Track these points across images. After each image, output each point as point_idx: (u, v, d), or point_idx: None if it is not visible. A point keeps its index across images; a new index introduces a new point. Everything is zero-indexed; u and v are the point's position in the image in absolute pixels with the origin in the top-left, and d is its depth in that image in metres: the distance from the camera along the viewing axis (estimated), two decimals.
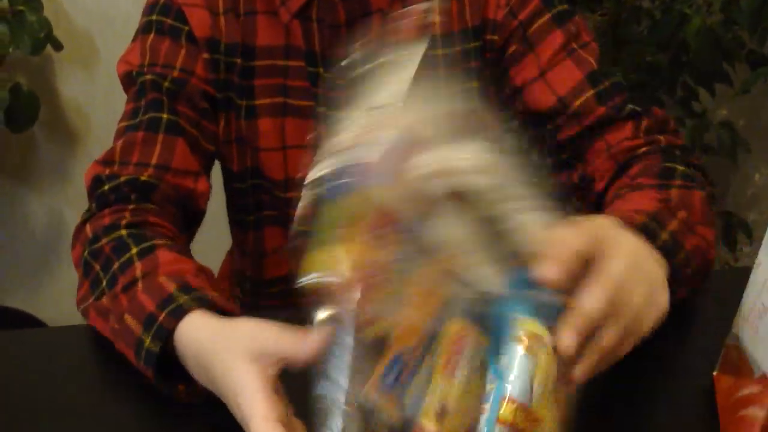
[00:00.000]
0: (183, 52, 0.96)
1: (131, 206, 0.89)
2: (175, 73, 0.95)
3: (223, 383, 0.66)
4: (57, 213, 2.08)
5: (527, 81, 0.97)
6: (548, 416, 0.56)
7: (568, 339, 0.56)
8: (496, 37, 0.98)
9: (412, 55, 0.63)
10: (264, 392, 0.63)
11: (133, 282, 0.78)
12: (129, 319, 0.76)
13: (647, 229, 0.74)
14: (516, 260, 0.57)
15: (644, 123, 0.94)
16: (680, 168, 0.87)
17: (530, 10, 0.97)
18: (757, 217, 2.12)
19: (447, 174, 0.57)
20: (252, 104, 0.99)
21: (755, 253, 0.70)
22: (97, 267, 0.83)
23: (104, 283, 0.81)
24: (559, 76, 0.96)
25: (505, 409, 0.54)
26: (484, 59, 0.98)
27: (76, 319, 0.89)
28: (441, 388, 0.55)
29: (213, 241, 1.21)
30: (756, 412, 0.66)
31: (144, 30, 0.99)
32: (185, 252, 0.85)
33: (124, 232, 0.85)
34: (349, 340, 0.57)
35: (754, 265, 0.70)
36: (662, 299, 0.65)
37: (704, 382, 0.76)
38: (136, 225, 0.86)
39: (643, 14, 1.81)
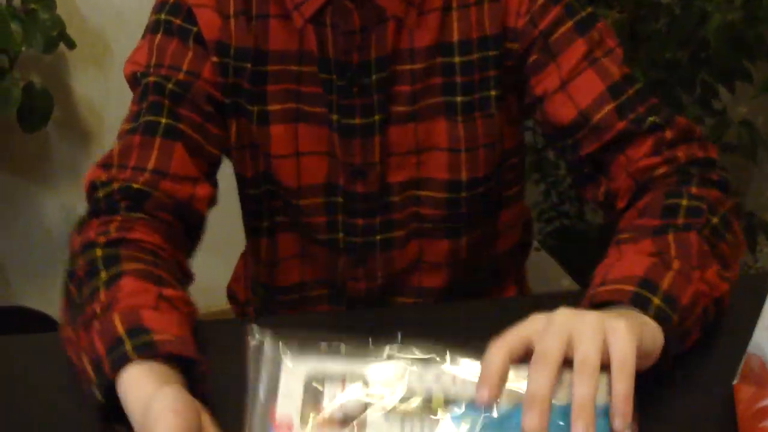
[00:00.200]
0: (190, 54, 0.95)
1: (119, 217, 0.87)
2: (181, 76, 0.94)
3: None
4: (71, 211, 2.07)
5: (548, 92, 0.94)
6: None
7: (530, 422, 0.61)
8: (516, 46, 0.95)
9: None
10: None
11: (93, 317, 0.76)
12: (85, 358, 0.75)
13: (638, 300, 0.73)
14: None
15: (667, 135, 0.92)
16: (684, 203, 0.84)
17: (551, 18, 0.94)
18: None
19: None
20: (264, 110, 0.97)
21: None
22: (73, 291, 0.82)
23: (75, 306, 0.80)
24: (580, 88, 0.93)
25: None
26: (503, 67, 0.96)
27: None
28: None
29: (230, 241, 1.19)
30: None
31: (152, 29, 0.97)
32: (160, 271, 0.82)
33: (99, 252, 0.83)
34: None
35: None
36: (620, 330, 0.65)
37: (723, 392, 0.75)
38: (114, 242, 0.84)
39: (662, 10, 1.78)
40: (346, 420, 0.66)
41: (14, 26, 1.70)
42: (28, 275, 2.13)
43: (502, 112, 0.98)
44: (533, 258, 1.23)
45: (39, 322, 1.96)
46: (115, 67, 1.94)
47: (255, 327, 0.67)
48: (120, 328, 0.74)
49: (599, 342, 0.63)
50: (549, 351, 0.63)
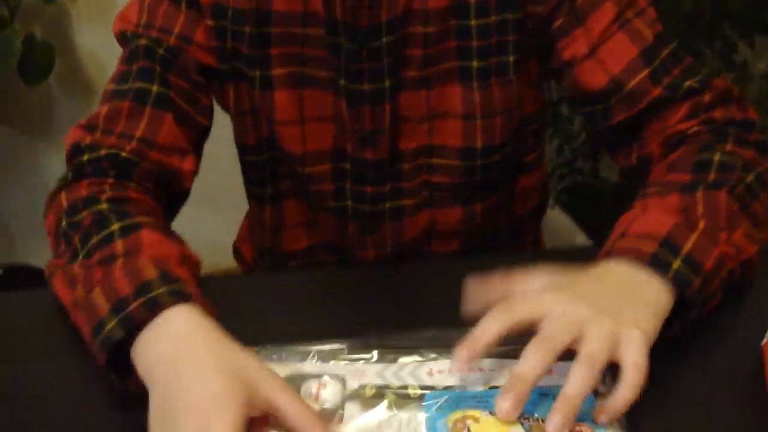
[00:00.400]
0: (182, 17, 0.90)
1: (110, 180, 0.85)
2: (172, 40, 0.90)
3: (192, 385, 0.63)
4: None
5: (577, 58, 0.89)
6: None
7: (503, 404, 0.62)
8: (539, 9, 0.89)
9: None
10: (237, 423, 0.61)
11: (112, 257, 0.74)
12: (98, 294, 0.72)
13: (657, 262, 0.71)
14: None
15: (704, 99, 0.87)
16: (717, 158, 0.81)
17: None
18: None
19: None
20: (267, 74, 0.92)
21: None
22: (76, 238, 0.79)
23: (80, 253, 0.77)
24: (611, 52, 0.88)
25: None
26: (524, 31, 0.90)
27: None
28: None
29: (237, 197, 1.15)
30: None
31: None
32: (170, 233, 0.82)
33: (104, 206, 0.81)
34: None
35: None
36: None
37: (752, 353, 0.72)
38: (117, 200, 0.82)
39: None
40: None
41: None
42: (31, 232, 2.10)
43: (521, 78, 0.93)
44: (547, 215, 1.19)
45: (44, 279, 1.94)
46: None
47: None
48: (151, 272, 0.71)
49: (610, 347, 0.64)
50: (554, 338, 0.63)
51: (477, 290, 0.72)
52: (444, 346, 0.70)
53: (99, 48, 1.93)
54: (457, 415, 0.63)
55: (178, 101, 0.90)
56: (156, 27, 0.90)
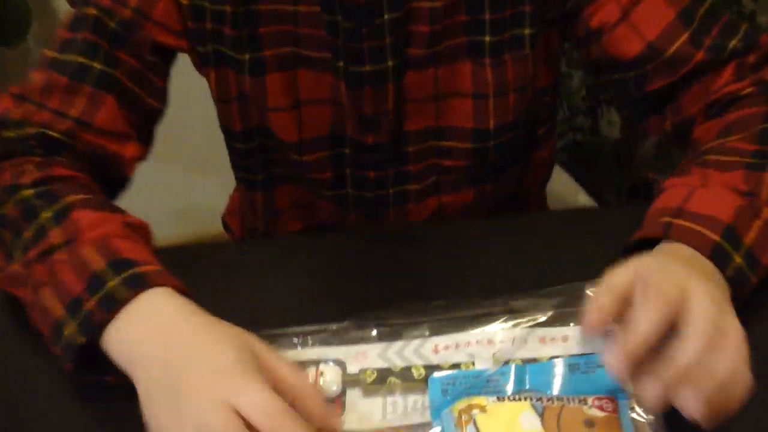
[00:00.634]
0: None
1: (36, 159, 0.77)
2: (127, 13, 0.81)
3: (196, 360, 0.59)
4: None
5: (607, 24, 0.82)
6: None
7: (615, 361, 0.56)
8: None
9: None
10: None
11: (51, 251, 0.68)
12: (48, 295, 0.66)
13: (718, 254, 0.65)
14: None
15: (749, 60, 0.81)
16: None
17: None
18: None
19: None
20: (256, 56, 0.84)
21: None
22: (7, 236, 0.72)
23: (15, 251, 0.71)
24: (645, 16, 0.81)
25: None
26: (541, 1, 0.83)
27: None
28: None
29: (224, 163, 1.09)
30: None
31: None
32: (105, 205, 0.74)
33: (29, 192, 0.73)
34: None
35: None
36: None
37: None
38: (42, 181, 0.75)
39: None
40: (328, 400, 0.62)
41: None
42: None
43: (537, 51, 0.86)
44: None
45: None
46: None
47: None
48: (97, 261, 0.66)
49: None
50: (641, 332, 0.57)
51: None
52: (451, 319, 0.66)
53: None
54: (462, 404, 0.59)
55: (125, 82, 0.82)
56: None
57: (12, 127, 0.79)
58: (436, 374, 0.62)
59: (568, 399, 0.58)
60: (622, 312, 0.59)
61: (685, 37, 0.80)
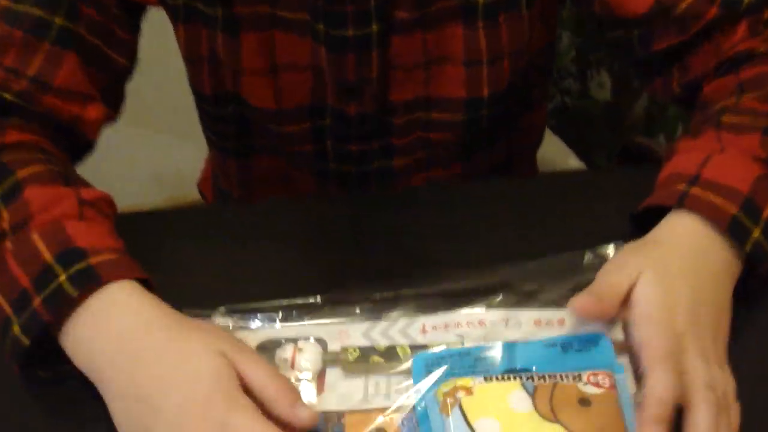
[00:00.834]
0: None
1: None
2: None
3: (176, 391, 0.55)
4: None
5: None
6: None
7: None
8: None
9: None
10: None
11: (1, 236, 0.63)
12: None
13: (737, 229, 0.62)
14: None
15: (765, 15, 0.75)
16: None
17: None
18: None
19: None
20: (230, 13, 0.78)
21: None
22: None
23: None
24: None
25: None
26: None
27: None
28: None
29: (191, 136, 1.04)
30: None
31: None
32: (62, 177, 0.67)
33: None
34: None
35: None
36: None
37: None
38: None
39: None
40: (302, 384, 0.59)
41: None
42: None
43: (534, 11, 0.81)
44: None
45: None
46: None
47: (204, 312, 0.62)
48: (46, 253, 0.61)
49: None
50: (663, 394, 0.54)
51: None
52: (440, 294, 0.62)
53: None
54: (447, 386, 0.55)
55: (89, 38, 0.75)
56: None
57: None
58: (420, 354, 0.58)
59: (561, 376, 0.54)
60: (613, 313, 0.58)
61: None
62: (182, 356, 0.56)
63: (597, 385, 0.54)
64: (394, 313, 0.62)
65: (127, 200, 0.76)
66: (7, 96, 0.71)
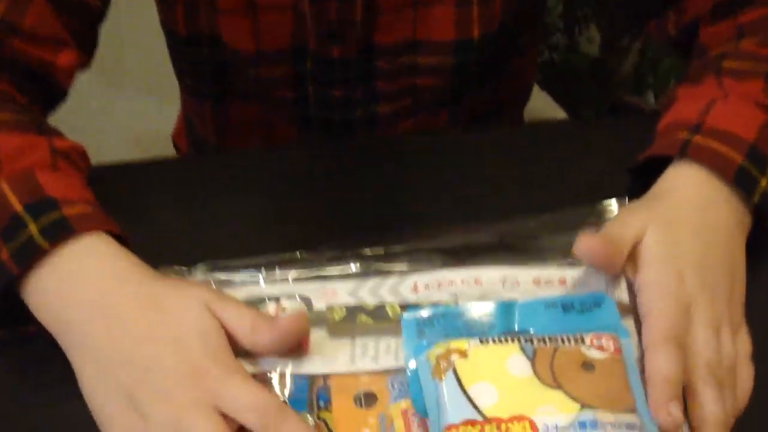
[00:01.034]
0: None
1: None
2: None
3: (162, 357, 0.50)
4: None
5: None
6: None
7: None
8: None
9: None
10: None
11: None
12: None
13: (743, 179, 0.59)
14: None
15: None
16: None
17: None
18: None
19: None
20: None
21: None
22: None
23: None
24: None
25: None
26: None
27: None
28: None
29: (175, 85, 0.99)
30: None
31: None
32: (34, 126, 0.63)
33: None
34: None
35: None
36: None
37: None
38: None
39: None
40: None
41: None
42: None
43: None
44: None
45: None
46: None
47: (184, 269, 0.58)
48: (16, 203, 0.56)
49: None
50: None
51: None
52: (434, 251, 0.59)
53: None
54: (440, 349, 0.51)
55: None
56: None
57: None
58: (411, 312, 0.54)
59: (562, 339, 0.51)
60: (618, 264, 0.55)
61: None
62: (166, 312, 0.52)
63: (601, 348, 0.50)
64: (384, 271, 0.58)
65: (104, 161, 0.72)
66: None
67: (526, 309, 0.54)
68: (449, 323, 0.53)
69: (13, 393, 0.57)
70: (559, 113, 1.80)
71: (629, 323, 0.54)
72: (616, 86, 1.81)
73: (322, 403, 0.52)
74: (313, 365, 0.53)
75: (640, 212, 0.58)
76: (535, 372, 0.49)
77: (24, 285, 0.55)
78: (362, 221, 0.66)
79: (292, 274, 0.58)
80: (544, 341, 0.51)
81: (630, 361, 0.51)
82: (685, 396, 0.51)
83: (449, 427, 0.47)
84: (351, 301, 0.56)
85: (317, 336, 0.55)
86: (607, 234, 0.56)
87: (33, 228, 0.54)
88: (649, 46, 1.72)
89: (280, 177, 0.72)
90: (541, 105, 1.79)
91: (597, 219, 0.60)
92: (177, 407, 0.48)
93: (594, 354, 0.50)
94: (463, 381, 0.48)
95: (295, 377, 0.52)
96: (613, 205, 0.62)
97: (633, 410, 0.48)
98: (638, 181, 0.63)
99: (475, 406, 0.47)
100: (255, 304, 0.56)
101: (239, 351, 0.52)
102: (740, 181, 0.59)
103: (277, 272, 0.58)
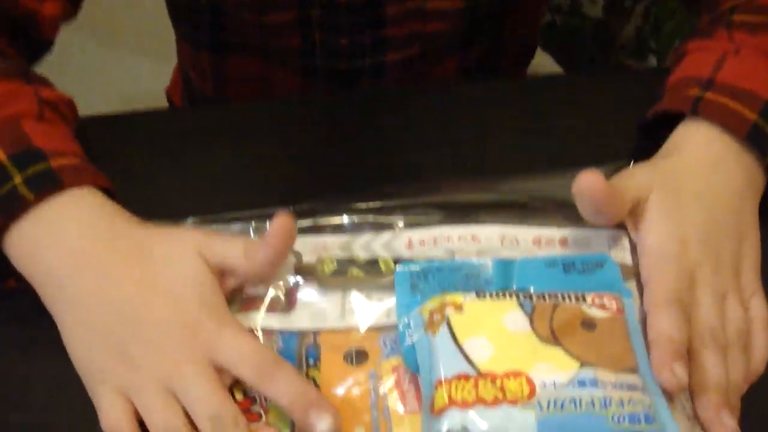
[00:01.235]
0: None
1: None
2: None
3: (155, 306, 0.48)
4: None
5: None
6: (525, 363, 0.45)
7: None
8: None
9: None
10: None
11: None
12: None
13: (757, 136, 0.56)
14: None
15: None
16: None
17: None
18: None
19: None
20: None
21: None
22: None
23: None
24: None
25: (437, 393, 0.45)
26: None
27: None
28: None
29: (170, 38, 0.96)
30: None
31: None
32: (22, 75, 0.60)
33: None
34: None
35: None
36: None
37: None
38: None
39: None
40: (272, 301, 0.52)
41: None
42: None
43: None
44: None
45: None
46: None
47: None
48: (1, 151, 0.53)
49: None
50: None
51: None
52: (431, 206, 0.56)
53: None
54: (434, 303, 0.49)
55: None
56: None
57: None
58: (404, 266, 0.52)
59: (563, 296, 0.49)
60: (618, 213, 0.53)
61: None
62: (158, 262, 0.50)
63: (603, 307, 0.48)
64: (378, 223, 0.56)
65: None
66: None
67: (526, 267, 0.52)
68: (444, 278, 0.51)
69: None
70: None
71: (632, 285, 0.52)
72: (618, 50, 1.79)
73: (311, 361, 0.50)
74: (301, 321, 0.51)
75: (646, 171, 0.55)
76: (533, 328, 0.47)
77: (6, 236, 0.52)
78: (359, 175, 0.63)
79: None
80: (544, 298, 0.49)
81: (633, 322, 0.49)
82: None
83: (441, 382, 0.45)
84: (342, 254, 0.54)
85: (306, 290, 0.52)
86: (610, 183, 0.53)
87: (18, 179, 0.52)
88: (653, 6, 1.69)
89: (272, 129, 0.69)
90: (543, 68, 1.77)
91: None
92: (170, 360, 0.47)
93: (595, 313, 0.48)
94: (458, 335, 0.46)
95: (283, 334, 0.50)
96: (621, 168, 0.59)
97: (635, 370, 0.46)
98: (649, 140, 0.60)
99: (469, 361, 0.45)
100: None
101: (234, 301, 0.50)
102: (754, 140, 0.56)
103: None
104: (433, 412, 0.44)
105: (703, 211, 0.53)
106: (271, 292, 0.52)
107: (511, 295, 0.49)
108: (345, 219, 0.56)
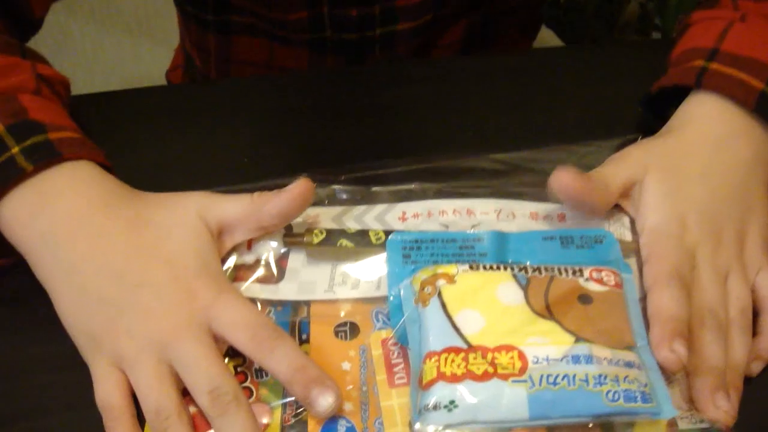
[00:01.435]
0: None
1: None
2: None
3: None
4: None
5: None
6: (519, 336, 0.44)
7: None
8: None
9: None
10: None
11: None
12: None
13: (766, 107, 0.54)
14: None
15: None
16: None
17: None
18: None
19: None
20: None
21: None
22: None
23: None
24: None
25: (425, 366, 0.44)
26: None
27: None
28: None
29: (172, 23, 0.93)
30: None
31: None
32: (17, 50, 0.58)
33: None
34: None
35: None
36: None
37: None
38: None
39: None
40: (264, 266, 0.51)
41: None
42: None
43: None
44: None
45: None
46: None
47: None
48: None
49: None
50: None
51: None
52: (426, 181, 0.55)
53: None
54: (426, 274, 0.47)
55: None
56: None
57: None
58: (397, 235, 0.50)
59: (559, 270, 0.47)
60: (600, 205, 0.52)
61: None
62: (157, 227, 0.49)
63: (600, 282, 0.47)
64: (372, 193, 0.54)
65: None
66: None
67: (522, 240, 0.50)
68: (438, 249, 0.49)
69: None
70: None
71: (632, 262, 0.50)
72: (622, 27, 1.77)
73: (304, 336, 0.48)
74: (286, 292, 0.50)
75: (641, 151, 0.54)
76: (527, 301, 0.45)
77: (0, 205, 0.50)
78: (360, 148, 0.61)
79: None
80: (539, 270, 0.47)
81: (632, 297, 0.47)
82: None
83: (430, 355, 0.43)
84: (333, 225, 0.52)
85: (295, 260, 0.51)
86: (597, 171, 0.52)
87: (16, 149, 0.50)
88: None
89: (276, 102, 0.67)
90: (547, 42, 1.75)
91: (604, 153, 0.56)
92: (167, 326, 0.45)
93: (593, 287, 0.46)
94: (449, 307, 0.45)
95: (275, 308, 0.49)
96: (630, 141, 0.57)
97: (632, 347, 0.44)
98: (654, 114, 0.59)
99: (459, 334, 0.44)
100: None
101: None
102: (762, 109, 0.54)
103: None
104: (421, 386, 0.43)
105: (705, 189, 0.52)
106: (261, 262, 0.51)
107: (505, 267, 0.47)
108: (336, 189, 0.54)
